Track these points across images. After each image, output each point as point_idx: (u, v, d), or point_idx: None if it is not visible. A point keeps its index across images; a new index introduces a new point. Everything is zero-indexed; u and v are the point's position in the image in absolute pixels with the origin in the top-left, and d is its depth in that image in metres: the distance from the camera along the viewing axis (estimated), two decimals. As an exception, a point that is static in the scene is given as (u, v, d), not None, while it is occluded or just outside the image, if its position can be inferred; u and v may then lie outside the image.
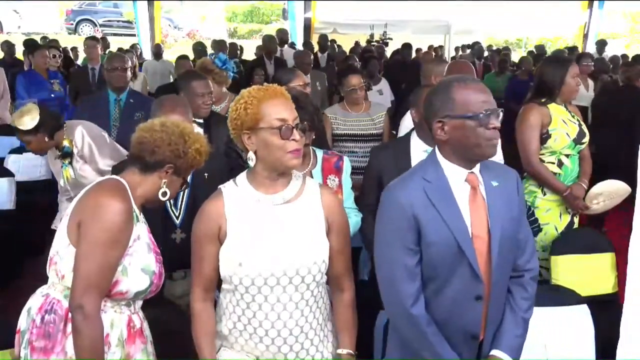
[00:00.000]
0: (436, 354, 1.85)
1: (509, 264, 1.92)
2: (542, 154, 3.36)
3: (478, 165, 1.89)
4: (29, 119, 3.14)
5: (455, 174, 1.86)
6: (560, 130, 3.29)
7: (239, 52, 9.47)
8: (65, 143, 3.30)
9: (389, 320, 2.08)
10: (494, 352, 1.91)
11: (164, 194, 2.03)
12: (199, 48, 8.03)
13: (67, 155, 3.31)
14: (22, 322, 1.97)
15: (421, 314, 1.84)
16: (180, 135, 2.01)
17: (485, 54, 10.98)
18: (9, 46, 8.90)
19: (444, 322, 1.86)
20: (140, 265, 1.93)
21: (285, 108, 1.85)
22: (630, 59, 7.84)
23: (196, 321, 1.94)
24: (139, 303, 2.03)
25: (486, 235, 1.84)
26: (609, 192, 3.33)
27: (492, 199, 1.87)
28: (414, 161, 2.69)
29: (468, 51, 10.28)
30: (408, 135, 2.86)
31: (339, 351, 1.98)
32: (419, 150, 2.76)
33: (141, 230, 1.98)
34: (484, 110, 1.79)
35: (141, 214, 2.02)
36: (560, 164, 3.36)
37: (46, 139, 3.22)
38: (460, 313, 1.86)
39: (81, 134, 3.34)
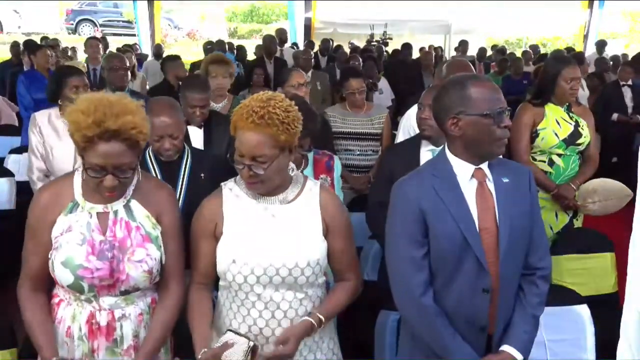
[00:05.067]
0: (445, 345, 1.87)
1: (519, 258, 1.94)
2: (534, 153, 3.39)
3: (486, 162, 1.92)
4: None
5: (463, 170, 1.90)
6: (549, 130, 3.31)
7: (235, 51, 9.46)
8: None
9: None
10: (503, 347, 1.93)
11: (82, 174, 1.88)
12: (207, 47, 8.13)
13: None
14: None
15: (430, 304, 1.87)
16: (67, 111, 1.80)
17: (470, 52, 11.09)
18: (15, 47, 8.92)
19: (452, 313, 1.89)
20: (61, 259, 1.86)
21: (246, 142, 1.79)
22: (630, 59, 7.86)
23: (190, 307, 1.94)
24: (107, 300, 1.91)
25: (494, 229, 1.87)
26: (604, 191, 3.32)
27: (502, 194, 1.90)
28: (423, 160, 2.71)
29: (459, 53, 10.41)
30: (418, 135, 2.86)
31: (313, 311, 1.91)
32: (425, 149, 2.78)
33: (76, 221, 1.89)
34: (497, 108, 1.83)
35: (92, 203, 1.90)
36: (551, 162, 3.38)
37: None
38: (468, 305, 1.89)
39: None
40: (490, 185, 1.91)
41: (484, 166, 1.91)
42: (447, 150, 1.94)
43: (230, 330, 1.86)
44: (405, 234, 1.88)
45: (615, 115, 6.60)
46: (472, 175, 1.90)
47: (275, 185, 1.89)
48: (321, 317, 1.89)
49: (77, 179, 1.93)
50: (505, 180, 1.92)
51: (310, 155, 2.85)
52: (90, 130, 1.73)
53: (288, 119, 1.81)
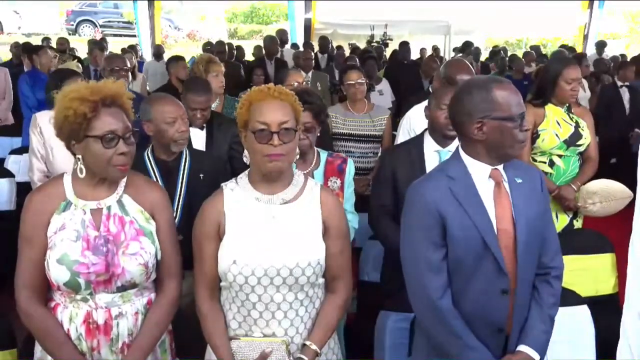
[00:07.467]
0: (463, 348, 1.86)
1: (535, 259, 1.95)
2: (534, 154, 3.39)
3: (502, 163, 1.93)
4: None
5: (479, 171, 1.90)
6: (550, 131, 3.31)
7: (234, 52, 9.44)
8: None
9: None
10: (521, 347, 1.93)
11: (80, 170, 1.90)
12: (207, 48, 8.13)
13: None
14: None
15: (448, 307, 1.87)
16: (60, 98, 1.85)
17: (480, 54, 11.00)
18: (15, 47, 8.92)
19: (470, 315, 1.89)
20: (56, 257, 1.87)
21: (271, 110, 1.82)
22: (629, 59, 7.84)
23: (207, 322, 1.92)
24: (103, 298, 1.93)
25: (512, 230, 1.88)
26: (605, 192, 3.32)
27: (516, 195, 1.91)
28: (428, 161, 2.71)
29: (460, 55, 10.32)
30: (421, 135, 2.86)
31: (307, 342, 1.90)
32: (431, 150, 2.76)
33: (69, 219, 1.91)
34: (520, 112, 1.85)
35: (85, 200, 1.93)
36: (551, 163, 3.38)
37: None
38: (487, 307, 1.89)
39: None
40: (506, 186, 1.92)
41: (500, 166, 1.92)
42: (461, 152, 1.93)
43: (235, 338, 1.88)
44: (422, 237, 1.87)
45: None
46: (489, 176, 1.90)
47: (288, 167, 1.89)
48: (315, 349, 1.89)
49: (68, 180, 1.96)
50: (519, 180, 1.93)
51: (324, 157, 2.83)
52: (94, 95, 1.82)
53: (294, 96, 1.90)
